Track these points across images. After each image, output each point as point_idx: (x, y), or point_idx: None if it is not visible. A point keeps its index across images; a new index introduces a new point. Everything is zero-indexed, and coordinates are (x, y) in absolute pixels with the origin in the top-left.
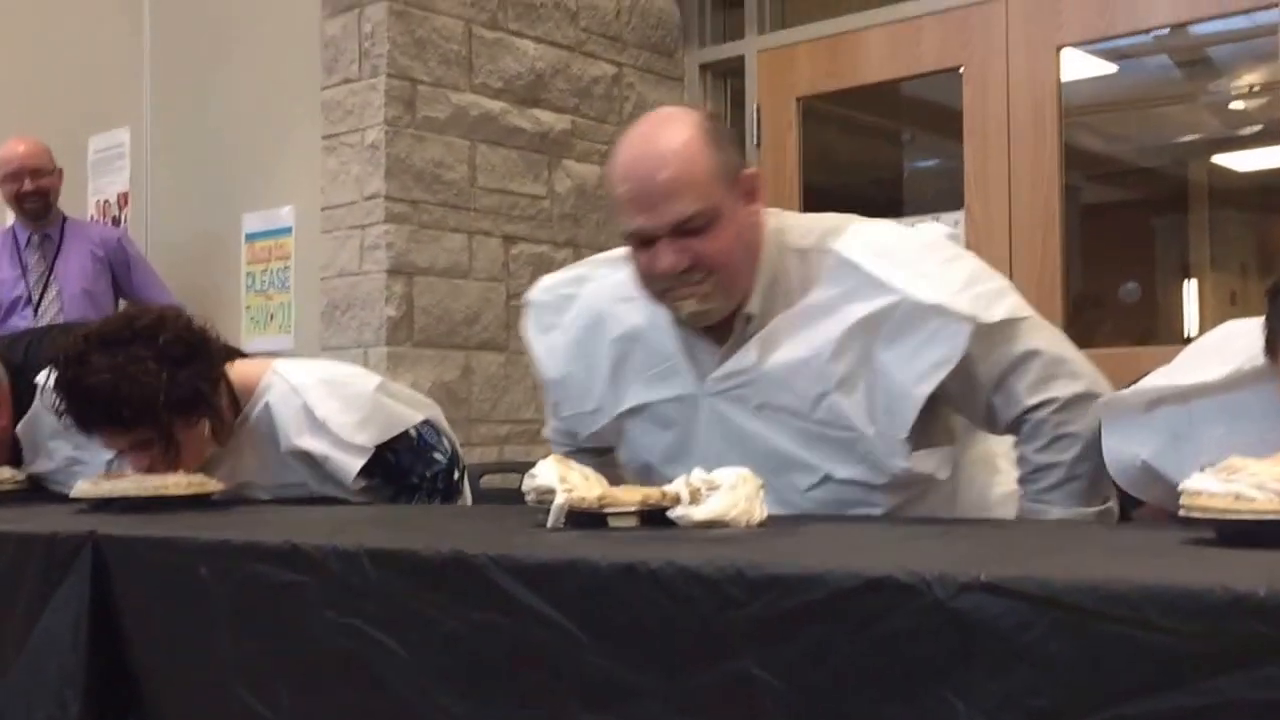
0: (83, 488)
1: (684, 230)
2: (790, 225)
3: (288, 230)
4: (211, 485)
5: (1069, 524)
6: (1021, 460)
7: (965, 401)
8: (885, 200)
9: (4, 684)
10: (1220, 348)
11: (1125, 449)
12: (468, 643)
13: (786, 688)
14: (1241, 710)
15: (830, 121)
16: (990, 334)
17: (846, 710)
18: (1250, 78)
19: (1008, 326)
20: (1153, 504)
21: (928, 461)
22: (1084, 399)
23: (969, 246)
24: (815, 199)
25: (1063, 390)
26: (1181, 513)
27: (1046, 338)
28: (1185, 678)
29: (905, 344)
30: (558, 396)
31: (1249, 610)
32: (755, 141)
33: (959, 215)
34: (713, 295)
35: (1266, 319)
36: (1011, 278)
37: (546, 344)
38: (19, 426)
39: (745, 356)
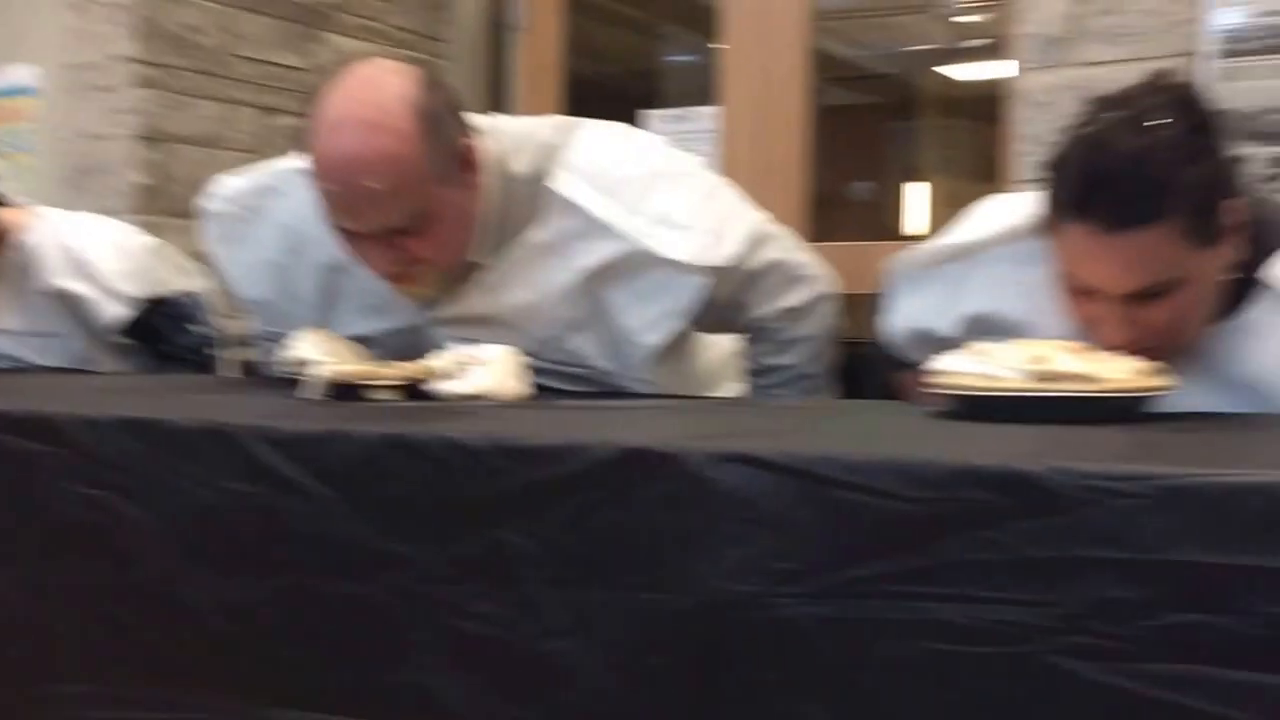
0: None
1: (394, 231)
2: (508, 148)
3: (30, 90)
4: None
5: (813, 403)
6: (751, 359)
7: (699, 317)
8: (643, 92)
9: None
10: (993, 213)
11: (907, 308)
12: (223, 515)
13: (544, 554)
14: (964, 569)
15: (591, 11)
16: (725, 268)
17: (601, 575)
18: None
19: (740, 251)
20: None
21: (660, 373)
22: (815, 303)
23: (720, 142)
24: (575, 87)
25: (795, 298)
26: (932, 390)
27: (779, 247)
28: (914, 541)
29: (636, 290)
30: (259, 314)
31: (972, 478)
32: (519, 27)
33: (710, 110)
34: (430, 279)
35: (1045, 194)
36: (759, 173)
37: (236, 259)
38: None
39: (470, 299)
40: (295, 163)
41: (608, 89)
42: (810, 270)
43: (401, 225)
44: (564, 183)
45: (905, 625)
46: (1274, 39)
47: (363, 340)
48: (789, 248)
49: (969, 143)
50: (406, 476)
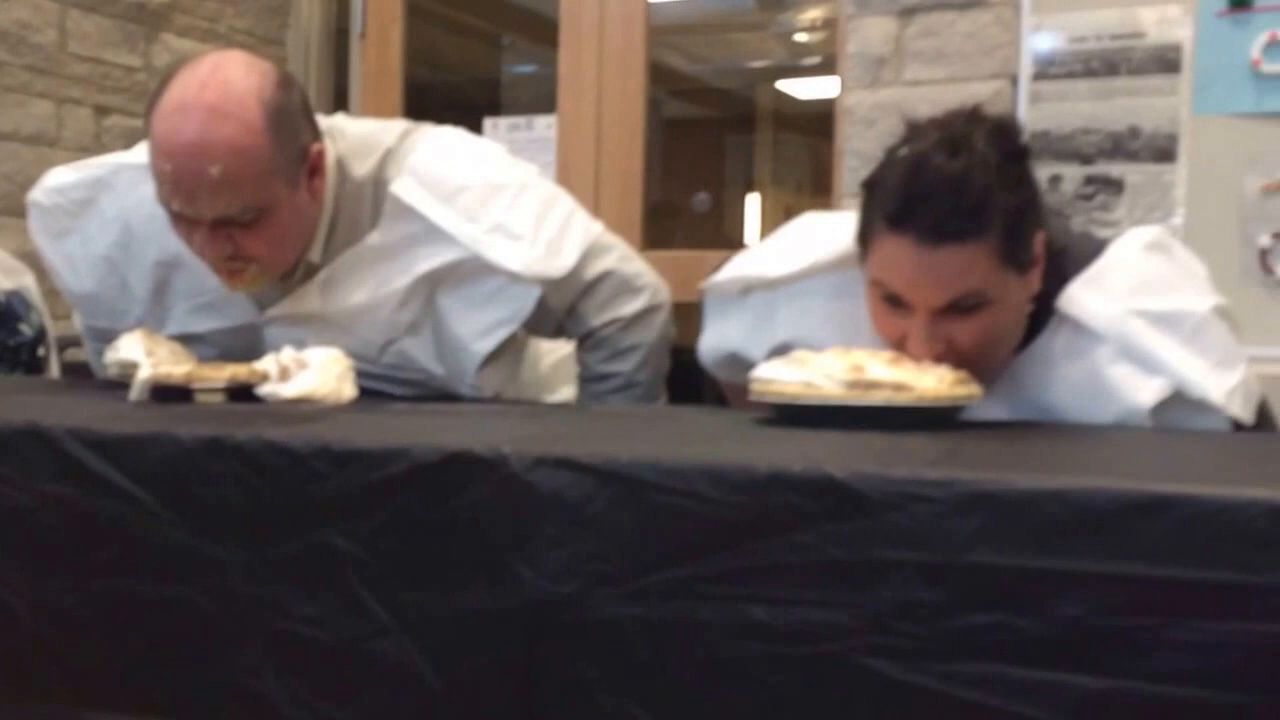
0: None
1: (227, 222)
2: (350, 151)
3: None
4: None
5: (638, 409)
6: (584, 366)
7: (535, 324)
8: (484, 101)
9: None
10: (803, 238)
11: (719, 332)
12: (38, 517)
13: (367, 556)
14: (776, 571)
15: (434, 19)
16: (559, 279)
17: (423, 577)
18: (813, 13)
19: (575, 262)
20: (735, 387)
21: (493, 378)
22: (647, 313)
23: (560, 150)
24: (416, 95)
25: (627, 308)
26: (753, 398)
27: (614, 257)
28: (729, 543)
29: (469, 297)
30: (86, 309)
31: (785, 483)
32: (360, 33)
33: (551, 119)
34: (257, 279)
35: (860, 208)
36: (597, 183)
37: (63, 252)
38: None
39: (306, 299)
40: (129, 157)
41: (450, 96)
42: (644, 280)
43: (235, 216)
44: (404, 188)
45: (719, 625)
46: (1086, 63)
47: (195, 338)
48: (624, 258)
49: (804, 157)
50: (227, 479)
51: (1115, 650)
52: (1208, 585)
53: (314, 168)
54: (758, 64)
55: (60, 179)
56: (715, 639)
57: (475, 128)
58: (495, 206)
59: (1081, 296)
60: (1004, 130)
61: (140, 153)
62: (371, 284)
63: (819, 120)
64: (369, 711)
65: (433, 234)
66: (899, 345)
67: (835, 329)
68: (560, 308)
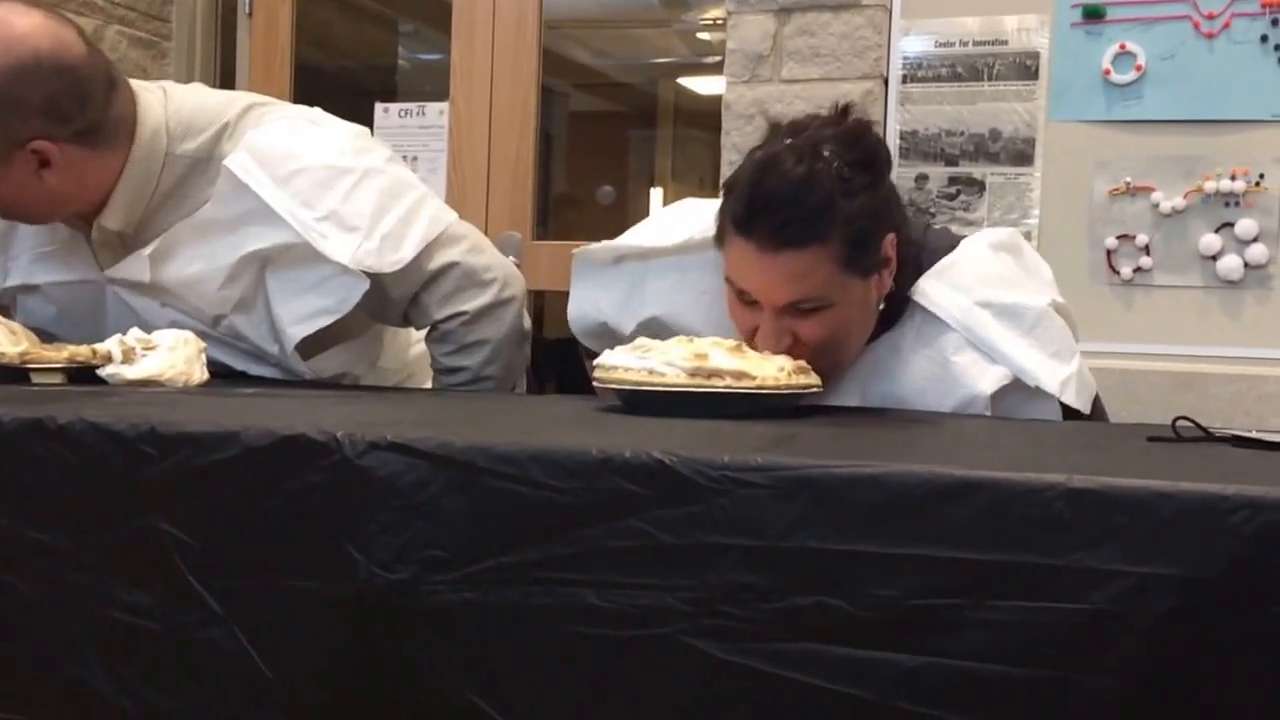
0: None
1: None
2: (181, 121)
3: None
4: None
5: (480, 395)
6: (432, 359)
7: (379, 312)
8: (379, 87)
9: None
10: (680, 218)
11: (588, 300)
12: None
13: (197, 542)
14: (607, 556)
15: (326, 1)
16: (398, 270)
17: (254, 563)
18: (715, 11)
19: (413, 255)
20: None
21: (334, 360)
22: (494, 307)
23: (452, 138)
24: (307, 78)
25: (472, 302)
26: (596, 384)
27: (462, 249)
28: (561, 529)
29: (295, 281)
30: None
31: (615, 468)
32: (248, 12)
33: (444, 106)
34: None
35: (719, 209)
36: (489, 172)
37: None
38: None
39: (138, 267)
40: None
41: (342, 81)
42: (492, 274)
43: None
44: (238, 163)
45: (552, 610)
46: (951, 67)
47: (34, 289)
48: (473, 250)
49: (704, 153)
50: (50, 462)
51: (926, 630)
52: (1010, 566)
53: (42, 160)
54: (662, 60)
55: None
56: (548, 623)
57: (368, 113)
58: (332, 194)
59: (931, 289)
60: (855, 136)
61: None
62: (203, 256)
63: (715, 116)
64: (200, 701)
65: (265, 213)
66: (749, 337)
67: (705, 307)
68: (402, 298)
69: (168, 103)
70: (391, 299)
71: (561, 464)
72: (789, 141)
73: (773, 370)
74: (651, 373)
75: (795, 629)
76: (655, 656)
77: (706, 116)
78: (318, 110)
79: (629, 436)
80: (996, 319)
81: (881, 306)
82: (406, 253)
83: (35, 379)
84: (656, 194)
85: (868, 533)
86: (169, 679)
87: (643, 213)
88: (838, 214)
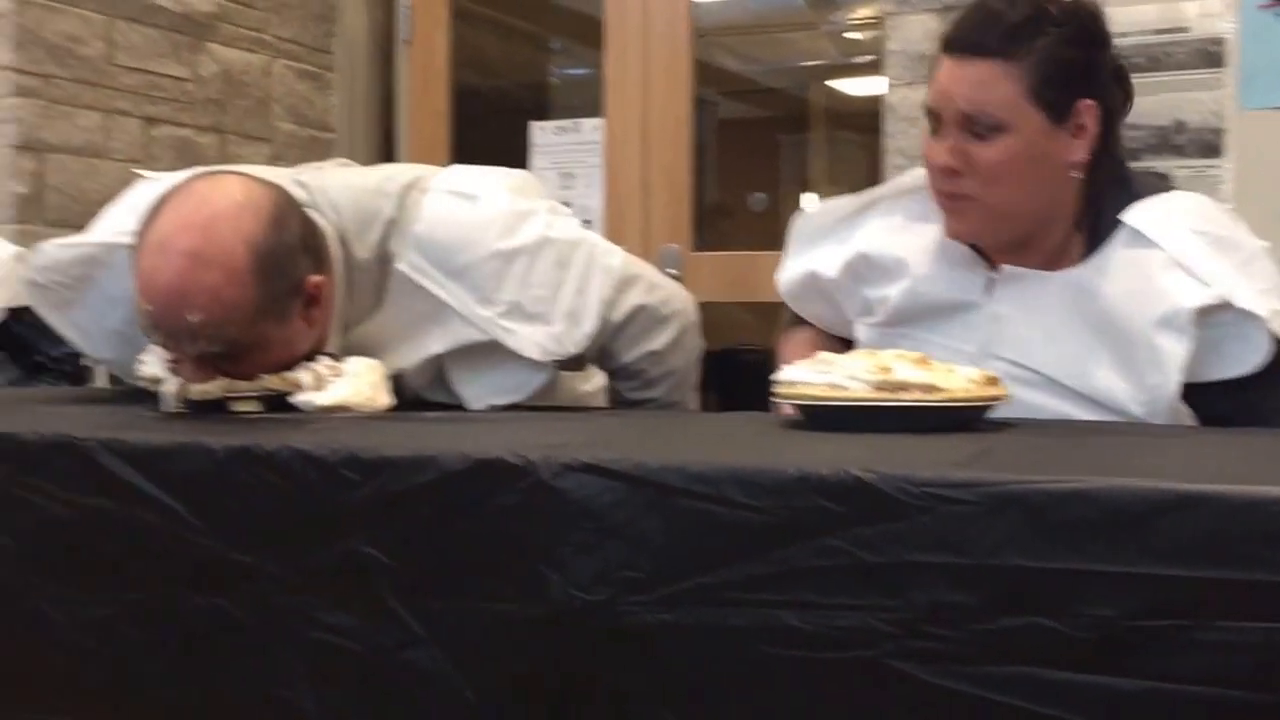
0: None
1: (212, 356)
2: (349, 228)
3: None
4: None
5: (661, 414)
6: (616, 392)
7: (563, 364)
8: (532, 104)
9: None
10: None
11: (800, 260)
12: (72, 529)
13: (397, 565)
14: (806, 575)
15: (481, 23)
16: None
17: (454, 585)
18: (865, 11)
19: (597, 324)
20: (801, 334)
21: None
22: (679, 338)
23: (606, 154)
24: (464, 100)
25: (659, 340)
26: (776, 400)
27: (640, 290)
28: (758, 548)
29: (477, 367)
30: (109, 367)
31: (813, 486)
32: (406, 39)
33: (599, 122)
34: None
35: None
36: (645, 186)
37: (73, 323)
38: None
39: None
40: (118, 234)
41: (497, 101)
42: (672, 307)
43: (219, 353)
44: (411, 266)
45: (750, 631)
46: (1128, 58)
47: None
48: (649, 288)
49: (858, 155)
50: (257, 489)
51: (1147, 652)
52: (1239, 584)
53: (312, 298)
54: (810, 63)
55: (52, 257)
56: (746, 645)
57: (522, 131)
58: (508, 282)
59: (1144, 212)
60: (1084, 7)
61: (127, 230)
62: (385, 360)
63: (871, 118)
64: None
65: (444, 312)
66: (928, 165)
67: (904, 244)
68: (592, 351)
69: (315, 198)
70: (583, 355)
71: (758, 482)
72: None
73: (961, 382)
74: (834, 387)
75: (1005, 651)
76: (858, 679)
77: (859, 118)
78: (470, 174)
79: (822, 453)
80: (1211, 247)
81: (1079, 176)
82: (588, 326)
83: (234, 408)
84: (809, 200)
85: (1081, 550)
86: (371, 699)
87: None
88: (1037, 40)
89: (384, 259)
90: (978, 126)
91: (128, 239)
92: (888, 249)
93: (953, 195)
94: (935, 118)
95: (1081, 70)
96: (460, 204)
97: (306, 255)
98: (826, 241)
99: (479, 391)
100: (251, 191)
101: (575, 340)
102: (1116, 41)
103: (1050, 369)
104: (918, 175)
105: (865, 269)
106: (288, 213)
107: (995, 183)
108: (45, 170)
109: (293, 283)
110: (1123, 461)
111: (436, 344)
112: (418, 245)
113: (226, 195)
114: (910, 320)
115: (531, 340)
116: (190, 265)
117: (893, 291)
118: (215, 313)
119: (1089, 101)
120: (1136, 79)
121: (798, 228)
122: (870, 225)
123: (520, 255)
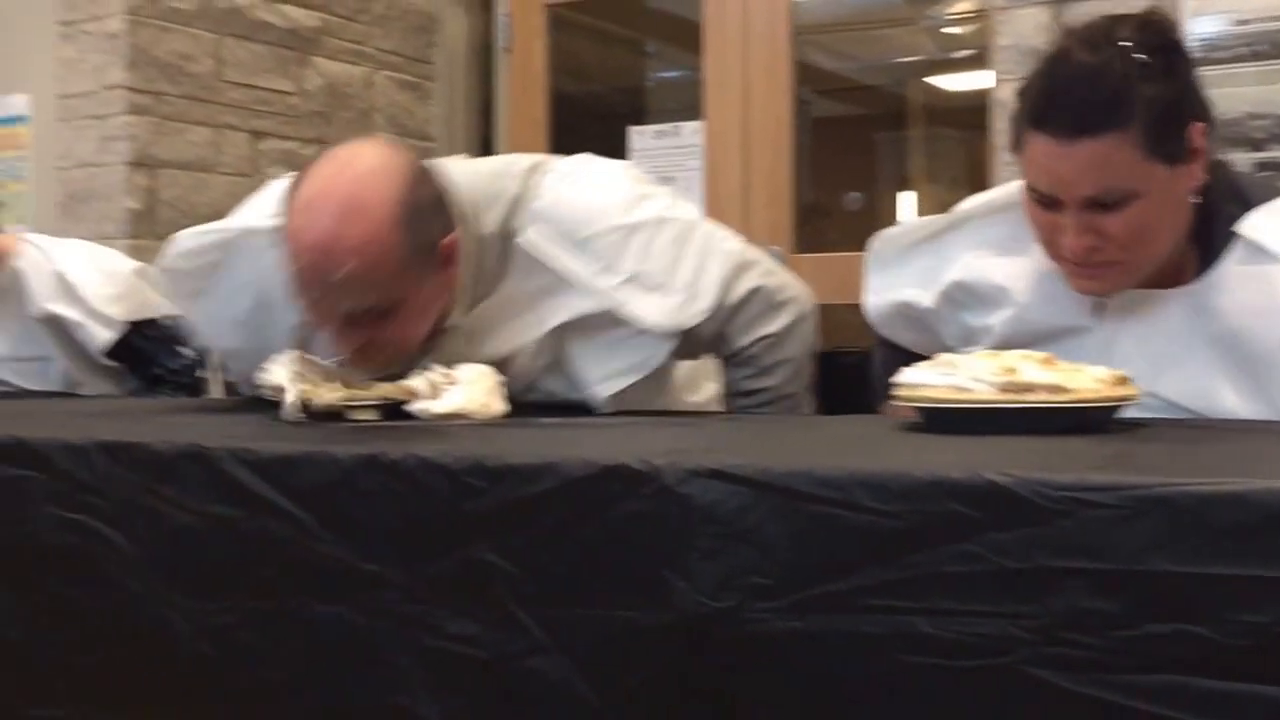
0: None
1: (359, 313)
2: (478, 204)
3: (22, 119)
4: None
5: (778, 418)
6: (730, 381)
7: (685, 351)
8: (629, 109)
9: None
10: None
11: (886, 285)
12: (200, 537)
13: (522, 572)
14: (940, 581)
15: (577, 30)
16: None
17: (578, 593)
18: (963, 5)
19: (715, 300)
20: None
21: (630, 400)
22: (795, 325)
23: (707, 156)
24: (562, 106)
25: (775, 325)
26: (900, 403)
27: (758, 273)
28: (889, 554)
29: (598, 343)
30: (232, 361)
31: (946, 491)
32: (505, 47)
33: (698, 125)
34: (390, 363)
35: (1012, 115)
36: (746, 188)
37: (201, 312)
38: None
39: (444, 355)
40: (253, 219)
41: (595, 106)
42: (788, 294)
43: (367, 308)
44: (533, 239)
45: (882, 639)
46: (1250, 46)
47: None
48: (767, 273)
49: (957, 152)
50: (382, 496)
51: None
52: None
53: (447, 258)
54: (907, 59)
55: (187, 244)
56: (878, 653)
57: (621, 136)
58: (629, 253)
59: (1264, 222)
60: (1150, 24)
61: (263, 214)
62: (508, 336)
63: (972, 114)
64: None
65: (565, 285)
66: (1051, 241)
67: (1010, 259)
68: (711, 335)
69: (461, 184)
70: (699, 339)
71: (888, 487)
72: (1081, 34)
73: (1089, 382)
74: (959, 389)
75: (1151, 659)
76: (996, 688)
77: (959, 114)
78: (587, 158)
79: (952, 456)
80: None
81: (1196, 200)
82: (707, 300)
83: (352, 417)
84: (907, 198)
85: (1232, 555)
86: (495, 707)
87: (892, 218)
88: (1135, 97)
89: (506, 234)
90: (1105, 199)
91: (266, 221)
92: (985, 275)
93: (1093, 264)
94: (1049, 199)
95: (1180, 101)
96: (583, 181)
97: (442, 213)
98: (911, 264)
99: (599, 371)
100: (391, 153)
101: (692, 314)
102: (1239, 30)
103: (1171, 392)
104: (1011, 193)
105: (964, 297)
106: (424, 173)
107: (1136, 245)
108: (157, 185)
109: (432, 238)
110: (1266, 461)
111: (555, 317)
112: (541, 219)
113: (367, 157)
114: (1018, 349)
115: (651, 309)
116: (338, 219)
117: (995, 321)
118: (364, 261)
119: (1196, 125)
120: (1260, 67)
121: (876, 250)
122: (960, 249)
123: (641, 229)
